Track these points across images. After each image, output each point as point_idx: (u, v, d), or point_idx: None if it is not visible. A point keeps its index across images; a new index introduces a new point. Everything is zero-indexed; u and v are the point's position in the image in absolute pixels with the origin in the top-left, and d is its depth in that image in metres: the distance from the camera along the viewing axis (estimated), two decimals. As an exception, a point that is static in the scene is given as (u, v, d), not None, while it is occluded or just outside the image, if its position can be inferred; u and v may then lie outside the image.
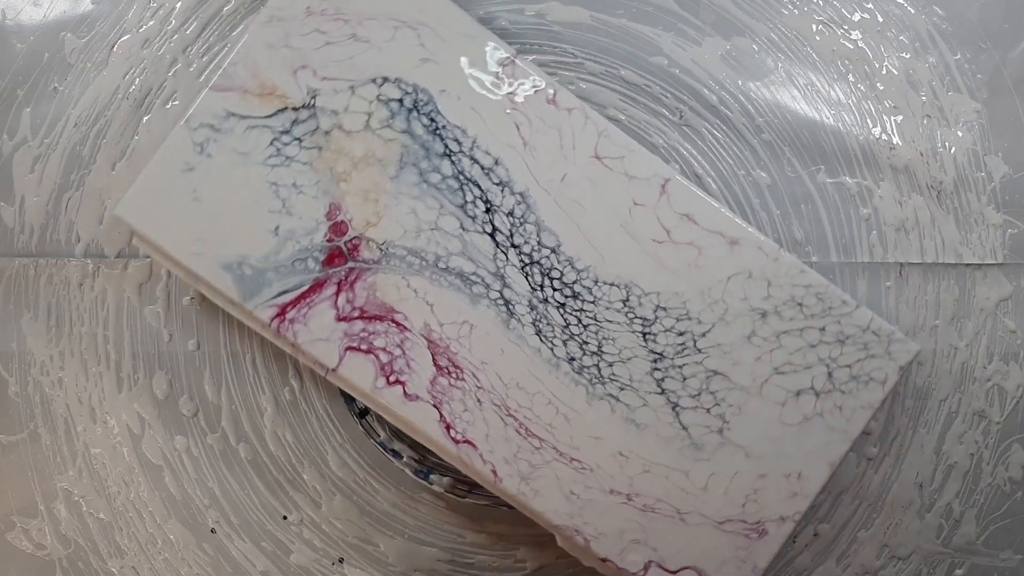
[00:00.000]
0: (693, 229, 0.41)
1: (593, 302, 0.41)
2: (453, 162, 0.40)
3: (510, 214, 0.40)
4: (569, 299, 0.41)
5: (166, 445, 0.48)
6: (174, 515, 0.48)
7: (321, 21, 0.40)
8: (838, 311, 0.41)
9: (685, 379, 0.41)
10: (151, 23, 0.48)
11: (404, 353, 0.40)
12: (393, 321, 0.40)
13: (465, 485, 0.47)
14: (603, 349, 0.41)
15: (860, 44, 0.48)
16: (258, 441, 0.48)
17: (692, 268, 0.41)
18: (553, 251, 0.41)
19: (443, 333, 0.40)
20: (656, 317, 0.41)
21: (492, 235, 0.40)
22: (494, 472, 0.40)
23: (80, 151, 0.48)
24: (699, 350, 0.41)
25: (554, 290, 0.41)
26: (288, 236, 0.40)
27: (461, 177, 0.40)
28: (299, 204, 0.40)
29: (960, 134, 0.48)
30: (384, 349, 0.40)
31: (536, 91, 0.41)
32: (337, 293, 0.40)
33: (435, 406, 0.40)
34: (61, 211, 0.48)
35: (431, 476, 0.47)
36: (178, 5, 0.48)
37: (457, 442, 0.40)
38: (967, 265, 0.48)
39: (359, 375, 0.40)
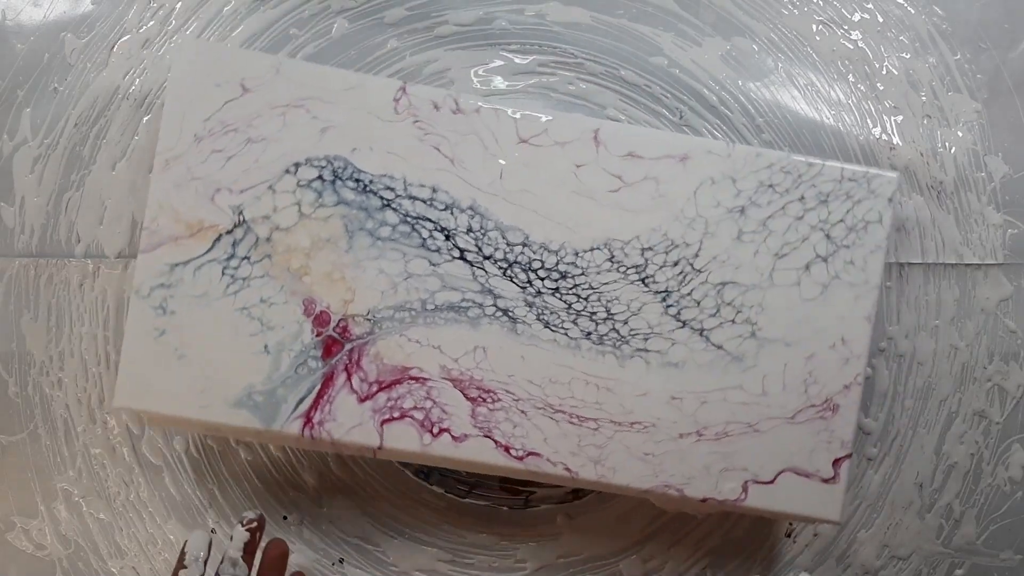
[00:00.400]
0: (641, 164, 0.41)
1: (583, 273, 0.41)
2: (394, 209, 0.40)
3: (469, 231, 0.40)
4: (560, 281, 0.41)
5: (166, 445, 0.48)
6: (174, 515, 0.48)
7: (213, 141, 0.40)
8: (809, 175, 0.40)
9: (699, 303, 0.40)
10: (151, 23, 0.48)
11: (435, 402, 0.40)
12: (411, 378, 0.40)
13: (465, 485, 0.48)
14: (612, 312, 0.40)
15: (860, 44, 0.48)
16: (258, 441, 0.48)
17: (657, 199, 0.41)
18: (524, 245, 0.40)
19: (461, 367, 0.40)
20: (646, 260, 0.41)
21: (462, 258, 0.40)
22: (567, 469, 0.40)
23: (80, 151, 0.48)
24: (698, 271, 0.40)
25: (542, 280, 0.41)
26: (279, 349, 0.40)
27: (408, 219, 0.40)
28: (275, 316, 0.40)
29: (960, 134, 0.48)
30: (416, 407, 0.40)
31: (438, 107, 0.41)
32: (349, 378, 0.40)
33: (486, 436, 0.40)
34: (61, 211, 0.48)
35: (431, 476, 0.48)
36: (178, 5, 0.48)
37: (521, 458, 0.40)
38: (967, 265, 0.48)
39: (404, 441, 0.40)
